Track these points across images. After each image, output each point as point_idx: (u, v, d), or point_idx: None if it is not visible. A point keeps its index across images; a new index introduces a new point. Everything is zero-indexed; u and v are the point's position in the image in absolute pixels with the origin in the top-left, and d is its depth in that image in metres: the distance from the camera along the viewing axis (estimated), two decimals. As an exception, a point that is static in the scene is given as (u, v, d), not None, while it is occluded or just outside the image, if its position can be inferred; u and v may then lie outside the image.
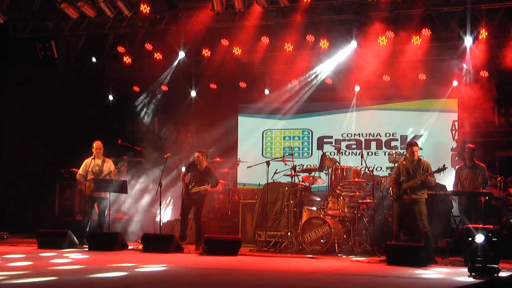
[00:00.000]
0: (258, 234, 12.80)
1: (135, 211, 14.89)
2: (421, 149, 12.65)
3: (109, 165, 12.42)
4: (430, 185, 10.72)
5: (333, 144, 15.69)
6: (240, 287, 7.86)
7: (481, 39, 13.25)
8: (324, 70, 15.42)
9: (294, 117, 16.46)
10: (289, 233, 12.03)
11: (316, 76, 15.67)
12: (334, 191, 12.38)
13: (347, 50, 14.61)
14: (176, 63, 15.82)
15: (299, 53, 15.04)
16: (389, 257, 10.01)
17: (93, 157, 12.37)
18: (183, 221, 12.40)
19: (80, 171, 12.45)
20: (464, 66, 14.26)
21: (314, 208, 12.16)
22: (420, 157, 10.92)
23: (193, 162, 12.51)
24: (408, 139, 15.25)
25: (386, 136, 15.80)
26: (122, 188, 12.78)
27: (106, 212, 12.41)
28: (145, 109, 16.87)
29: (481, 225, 9.55)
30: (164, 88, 16.64)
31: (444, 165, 10.65)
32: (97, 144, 12.39)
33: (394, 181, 10.79)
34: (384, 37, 13.75)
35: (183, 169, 13.07)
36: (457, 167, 12.02)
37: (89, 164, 12.33)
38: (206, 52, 15.43)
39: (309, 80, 15.78)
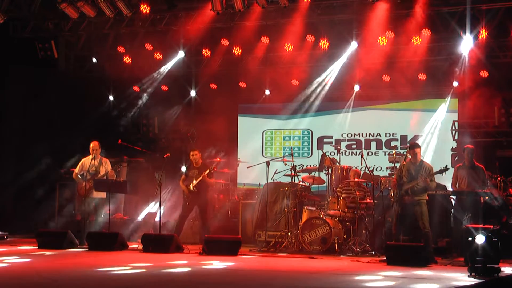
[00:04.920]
0: (258, 234, 12.79)
1: (135, 211, 14.90)
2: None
3: (106, 165, 12.35)
4: (430, 188, 10.72)
5: (333, 144, 15.70)
6: (240, 287, 7.86)
7: (481, 39, 13.27)
8: (329, 77, 15.45)
9: (294, 117, 16.46)
10: (289, 233, 12.02)
11: (321, 88, 15.72)
12: (334, 191, 12.37)
13: (347, 50, 14.63)
14: (173, 62, 15.81)
15: (299, 53, 15.05)
16: (389, 257, 10.00)
17: (91, 157, 12.31)
18: (180, 222, 12.25)
19: (77, 170, 12.38)
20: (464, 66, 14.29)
21: (314, 208, 12.15)
22: (422, 159, 10.91)
23: (189, 165, 12.41)
24: (408, 139, 15.29)
25: (386, 136, 15.80)
26: (122, 188, 12.77)
27: (103, 212, 12.37)
28: (137, 107, 16.84)
29: (481, 225, 9.54)
30: (164, 88, 16.65)
31: (446, 166, 10.67)
32: (94, 144, 12.31)
33: (395, 182, 10.79)
34: (384, 37, 13.78)
35: (183, 168, 13.05)
36: (456, 166, 12.00)
37: (86, 164, 12.29)
38: (206, 52, 15.45)
39: (314, 90, 15.82)
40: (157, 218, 13.08)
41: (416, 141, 14.61)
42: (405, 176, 10.66)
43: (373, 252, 11.19)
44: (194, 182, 12.09)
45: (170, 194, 14.80)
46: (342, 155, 14.29)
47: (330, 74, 15.44)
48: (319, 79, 15.68)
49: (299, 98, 16.13)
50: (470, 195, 11.29)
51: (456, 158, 14.81)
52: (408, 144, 14.26)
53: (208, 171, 12.08)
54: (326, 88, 15.75)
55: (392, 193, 10.81)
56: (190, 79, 16.82)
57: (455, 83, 14.96)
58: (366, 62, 14.86)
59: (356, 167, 13.13)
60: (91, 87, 16.16)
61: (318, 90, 15.84)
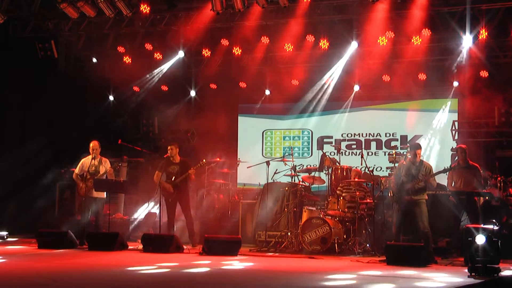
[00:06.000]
0: (258, 234, 12.78)
1: (135, 211, 14.90)
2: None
3: (105, 165, 12.32)
4: (431, 187, 10.72)
5: (333, 144, 15.70)
6: (240, 287, 7.86)
7: (481, 39, 13.27)
8: (331, 78, 15.45)
9: (294, 117, 16.47)
10: (289, 233, 12.02)
11: (323, 90, 15.74)
12: (334, 191, 12.37)
13: (347, 50, 14.64)
14: (173, 62, 15.81)
15: (299, 53, 15.05)
16: (389, 257, 10.00)
17: (91, 157, 12.29)
18: (170, 221, 12.19)
19: (77, 170, 12.35)
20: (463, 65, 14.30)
21: (314, 208, 12.15)
22: (422, 159, 10.91)
23: (165, 160, 12.28)
24: (408, 139, 15.29)
25: (386, 136, 15.80)
26: (122, 188, 12.72)
27: (103, 212, 12.34)
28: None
29: (481, 225, 9.54)
30: (164, 88, 16.65)
31: (450, 165, 10.68)
32: (93, 144, 12.28)
33: (394, 182, 10.78)
34: (384, 37, 13.78)
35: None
36: (450, 166, 11.97)
37: (85, 164, 12.27)
38: (206, 52, 15.45)
39: (316, 92, 15.84)
40: (157, 218, 13.08)
41: (416, 141, 14.64)
42: (404, 175, 10.65)
43: (373, 252, 11.18)
44: (180, 178, 12.02)
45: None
46: (342, 155, 14.28)
47: (332, 75, 15.44)
48: (321, 81, 15.68)
49: (300, 98, 16.14)
50: (469, 195, 11.29)
51: (456, 158, 14.80)
52: (408, 144, 14.31)
53: (198, 165, 12.06)
54: (328, 89, 15.76)
55: (391, 193, 10.81)
56: (190, 79, 16.82)
57: (455, 83, 14.97)
58: (366, 62, 14.87)
59: (356, 167, 13.13)
60: (91, 87, 16.16)
61: (320, 91, 15.86)
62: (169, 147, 12.30)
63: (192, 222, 12.26)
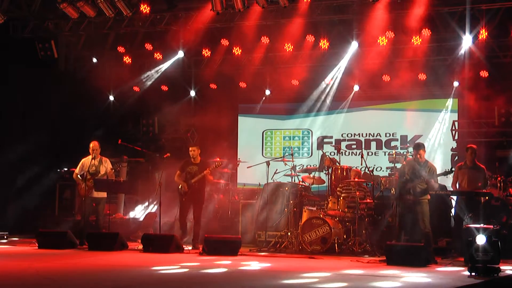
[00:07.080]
0: (258, 234, 12.79)
1: (135, 211, 14.90)
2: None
3: (106, 165, 12.30)
4: (432, 189, 10.68)
5: (333, 144, 15.70)
6: (239, 287, 7.86)
7: (481, 39, 13.27)
8: (334, 78, 15.47)
9: (294, 117, 16.48)
10: (289, 233, 12.02)
11: (325, 91, 15.76)
12: (334, 191, 12.37)
13: (347, 50, 14.64)
14: (172, 62, 15.82)
15: (299, 53, 15.06)
16: (389, 257, 9.99)
17: (91, 157, 12.28)
18: (183, 220, 12.18)
19: (77, 170, 12.34)
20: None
21: (314, 208, 12.15)
22: (426, 159, 10.88)
23: (186, 160, 12.32)
24: (408, 139, 15.29)
25: (386, 136, 15.80)
26: (122, 188, 12.71)
27: (103, 212, 12.34)
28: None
29: (481, 225, 9.53)
30: (164, 88, 16.65)
31: (451, 168, 10.69)
32: (93, 144, 12.26)
33: (398, 180, 10.74)
34: (384, 37, 13.79)
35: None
36: (457, 165, 11.98)
37: (86, 164, 12.26)
38: (206, 52, 15.45)
39: (318, 92, 15.86)
40: (157, 218, 13.06)
41: (417, 141, 14.62)
42: (408, 174, 10.61)
43: (373, 252, 11.18)
44: (195, 178, 12.03)
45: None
46: (342, 155, 14.29)
47: (334, 76, 15.44)
48: (322, 82, 15.67)
49: (300, 98, 16.14)
50: (471, 195, 11.27)
51: (456, 158, 14.82)
52: (407, 144, 14.31)
53: (214, 165, 12.09)
54: (328, 89, 15.76)
55: (393, 190, 10.78)
56: (190, 79, 16.82)
57: (456, 83, 14.98)
58: (366, 62, 14.87)
59: (356, 167, 13.13)
60: (91, 87, 16.15)
61: (321, 91, 15.86)
62: (190, 148, 12.27)
63: (199, 227, 12.07)
